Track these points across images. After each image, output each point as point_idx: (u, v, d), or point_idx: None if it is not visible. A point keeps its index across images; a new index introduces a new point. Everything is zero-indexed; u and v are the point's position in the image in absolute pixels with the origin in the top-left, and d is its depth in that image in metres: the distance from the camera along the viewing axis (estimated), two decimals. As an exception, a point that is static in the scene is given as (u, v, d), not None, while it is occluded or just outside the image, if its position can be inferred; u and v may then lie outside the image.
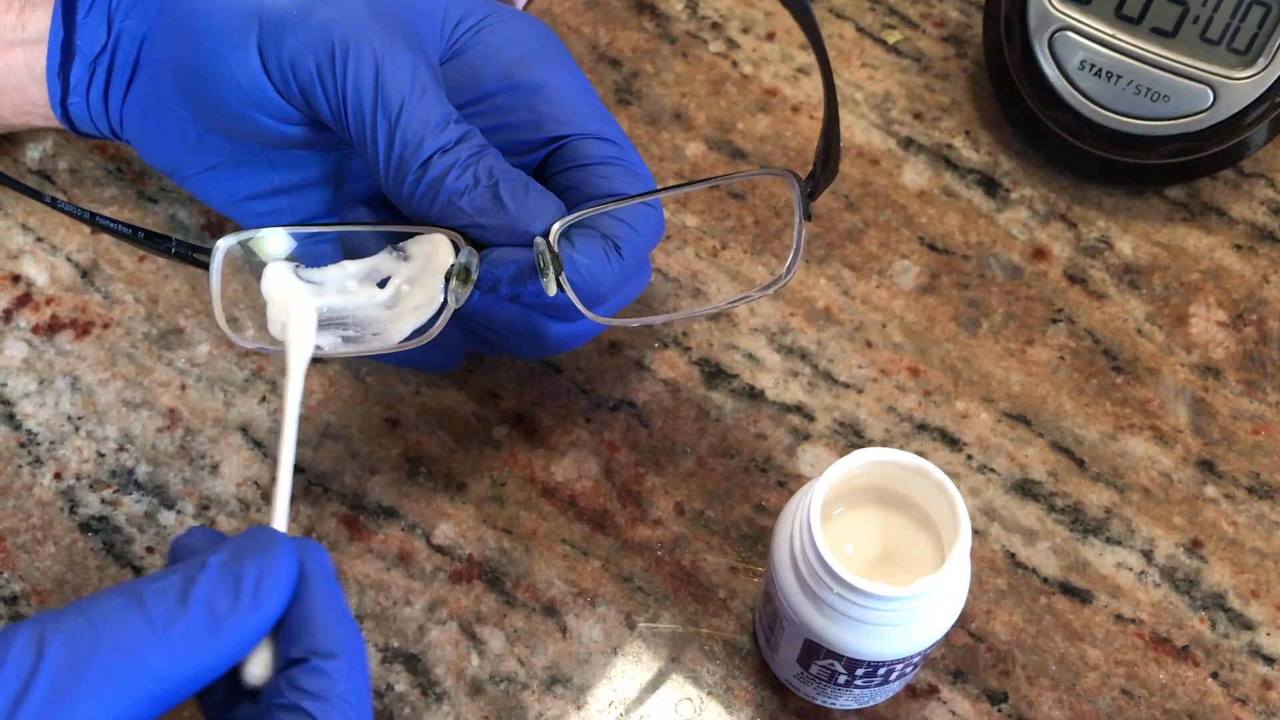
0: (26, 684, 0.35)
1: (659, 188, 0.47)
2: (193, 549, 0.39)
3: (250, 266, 0.56)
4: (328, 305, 0.45)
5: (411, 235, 0.45)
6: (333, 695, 0.37)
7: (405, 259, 0.45)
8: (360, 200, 0.49)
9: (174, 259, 0.45)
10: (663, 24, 0.62)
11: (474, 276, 0.44)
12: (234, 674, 0.39)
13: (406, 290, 0.45)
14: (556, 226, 0.44)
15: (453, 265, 0.44)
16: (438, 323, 0.44)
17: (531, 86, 0.48)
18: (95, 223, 0.45)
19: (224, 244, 0.44)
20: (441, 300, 0.44)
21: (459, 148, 0.44)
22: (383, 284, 0.46)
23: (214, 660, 0.37)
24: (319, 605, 0.38)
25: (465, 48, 0.48)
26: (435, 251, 0.45)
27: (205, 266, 0.45)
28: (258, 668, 0.38)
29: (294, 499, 0.53)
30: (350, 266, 0.45)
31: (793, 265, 0.46)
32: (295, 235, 0.45)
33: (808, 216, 0.46)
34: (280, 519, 0.40)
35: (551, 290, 0.44)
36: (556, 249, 0.44)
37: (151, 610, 0.36)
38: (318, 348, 0.45)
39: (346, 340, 0.45)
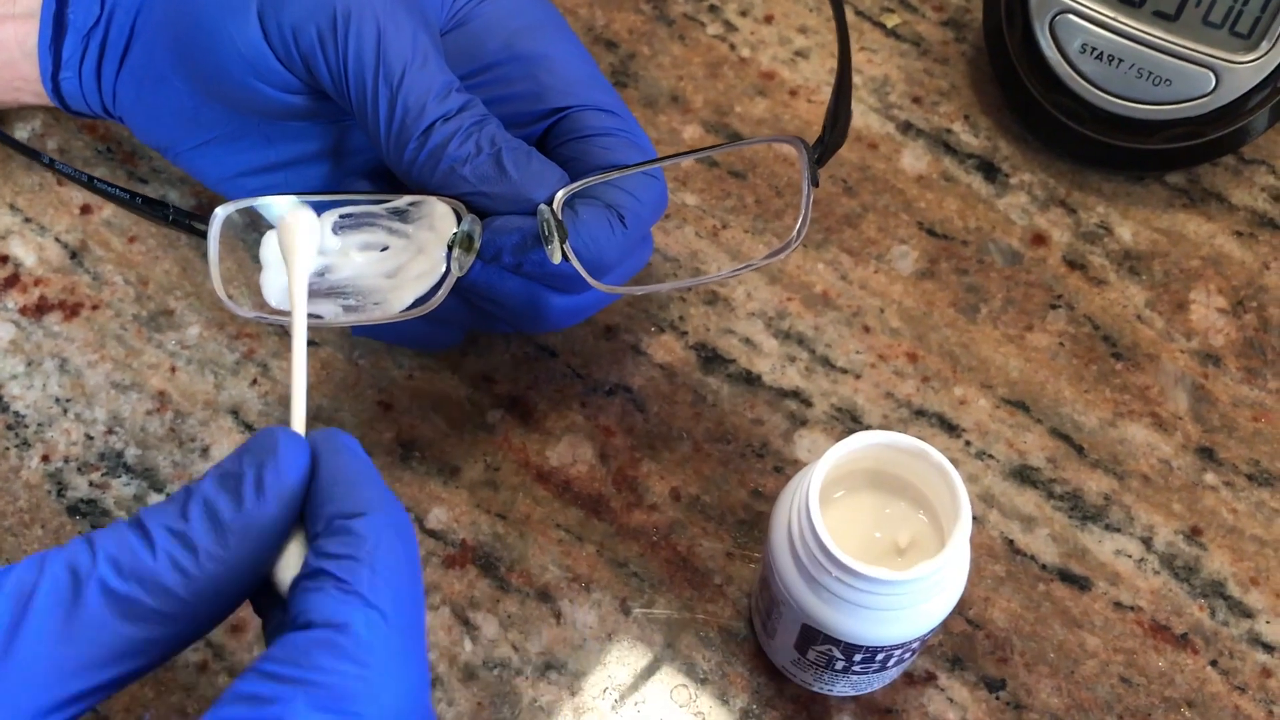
0: (26, 597, 0.33)
1: (663, 156, 0.46)
2: None
3: (244, 243, 0.55)
4: (329, 274, 0.45)
5: (413, 204, 0.45)
6: (360, 553, 0.33)
7: (406, 227, 0.45)
8: (360, 174, 0.48)
9: (171, 227, 0.45)
10: (660, 6, 0.61)
11: (476, 244, 0.44)
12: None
13: (408, 259, 0.45)
14: (560, 194, 0.44)
15: (455, 233, 0.44)
16: (440, 292, 0.44)
17: (533, 57, 0.47)
18: (93, 186, 0.45)
19: (223, 211, 0.44)
20: (444, 269, 0.44)
21: (461, 116, 0.44)
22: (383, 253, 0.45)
23: (230, 569, 0.34)
24: (338, 475, 0.35)
25: (467, 18, 0.48)
26: (437, 220, 0.44)
27: (202, 235, 0.44)
28: (287, 571, 0.35)
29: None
30: (351, 236, 0.45)
31: (802, 229, 0.45)
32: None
33: (815, 183, 0.45)
34: (297, 420, 0.38)
35: (556, 258, 0.44)
36: (561, 216, 0.44)
37: (150, 527, 0.34)
38: (318, 316, 0.45)
39: (347, 309, 0.45)
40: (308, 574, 0.34)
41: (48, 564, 0.33)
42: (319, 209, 0.44)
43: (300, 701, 0.32)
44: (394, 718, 0.33)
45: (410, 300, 0.44)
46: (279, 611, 0.36)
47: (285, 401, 0.53)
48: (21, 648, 0.32)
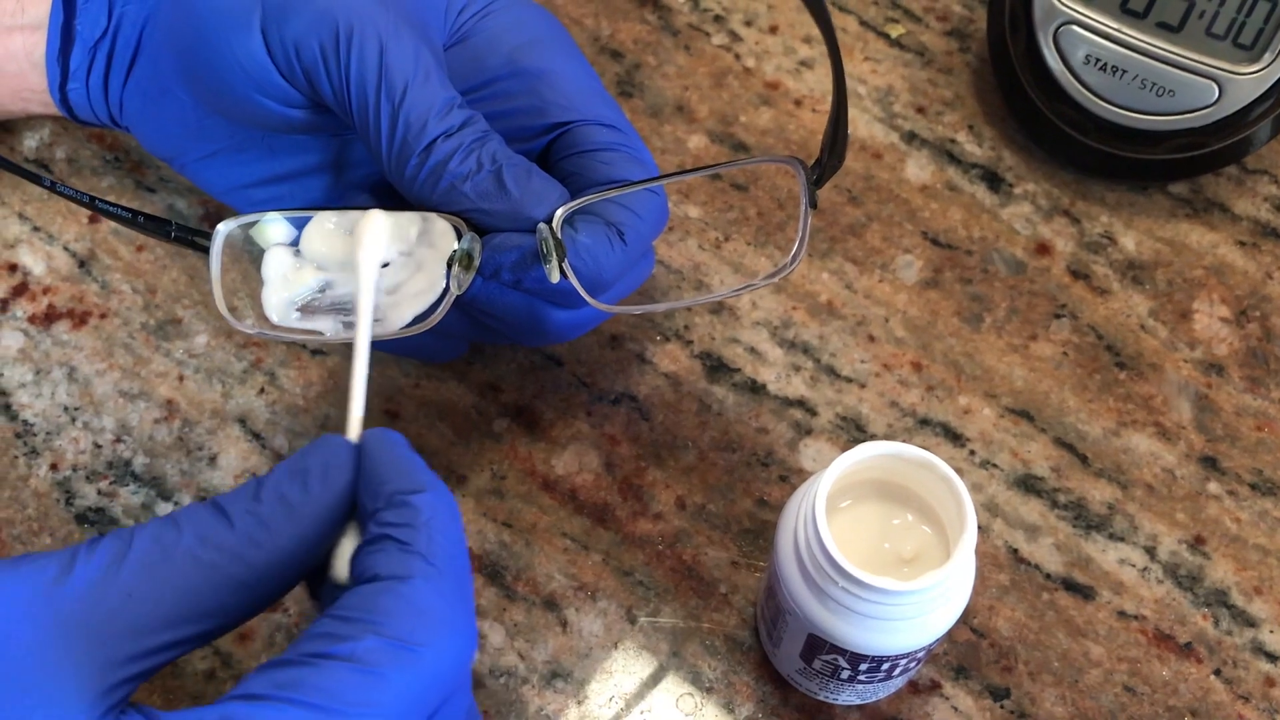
0: (119, 558, 0.36)
1: (663, 174, 0.46)
2: None
3: (249, 255, 0.55)
4: (329, 290, 0.45)
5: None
6: (418, 522, 0.37)
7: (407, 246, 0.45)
8: (362, 187, 0.49)
9: (173, 243, 0.45)
10: (665, 16, 0.62)
11: (476, 262, 0.44)
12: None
13: (407, 276, 0.45)
14: (560, 212, 0.44)
15: (455, 251, 0.44)
16: (440, 309, 0.44)
17: (535, 72, 0.47)
18: (95, 206, 0.45)
19: (224, 228, 0.44)
20: (443, 286, 0.44)
21: (462, 132, 0.44)
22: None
23: (297, 543, 0.37)
24: (395, 463, 0.38)
25: (469, 33, 0.48)
26: (437, 237, 0.45)
27: (205, 250, 0.44)
28: (342, 560, 0.39)
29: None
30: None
31: (798, 253, 0.46)
32: (296, 220, 0.45)
33: (813, 205, 0.46)
34: (355, 419, 0.41)
35: (554, 277, 0.44)
36: (560, 235, 0.44)
37: (228, 508, 0.37)
38: (319, 333, 0.45)
39: (348, 326, 0.45)
40: (370, 541, 0.37)
41: (136, 536, 0.37)
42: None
43: (369, 638, 0.35)
44: (449, 660, 0.36)
45: (410, 317, 0.44)
46: (332, 591, 0.39)
47: (292, 410, 0.54)
48: (115, 600, 0.36)
